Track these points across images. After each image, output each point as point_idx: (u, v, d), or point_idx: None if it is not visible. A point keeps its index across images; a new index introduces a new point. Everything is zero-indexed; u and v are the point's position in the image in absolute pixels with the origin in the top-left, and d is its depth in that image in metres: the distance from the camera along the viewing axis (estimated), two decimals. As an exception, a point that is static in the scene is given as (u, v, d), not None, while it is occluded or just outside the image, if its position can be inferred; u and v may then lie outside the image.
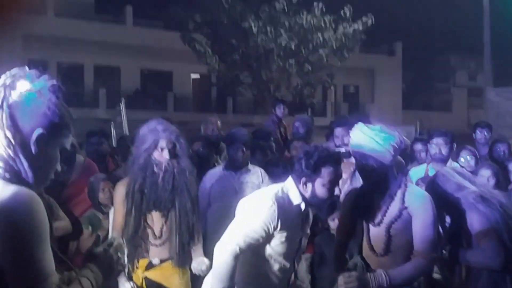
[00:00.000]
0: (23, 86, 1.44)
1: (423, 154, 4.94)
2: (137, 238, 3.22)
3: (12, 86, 1.44)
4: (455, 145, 4.33)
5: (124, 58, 22.92)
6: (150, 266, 3.29)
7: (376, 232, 2.70)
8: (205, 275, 3.44)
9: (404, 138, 3.11)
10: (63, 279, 1.38)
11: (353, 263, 2.78)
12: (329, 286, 3.88)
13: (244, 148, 4.13)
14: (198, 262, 3.38)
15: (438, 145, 4.10)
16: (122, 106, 8.67)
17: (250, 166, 4.23)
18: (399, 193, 2.67)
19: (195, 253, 3.41)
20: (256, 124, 16.44)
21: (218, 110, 23.55)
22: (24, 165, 1.44)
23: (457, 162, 4.39)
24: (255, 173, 4.21)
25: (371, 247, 2.71)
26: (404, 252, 2.65)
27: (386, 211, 2.67)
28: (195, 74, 25.15)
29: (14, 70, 1.46)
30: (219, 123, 5.79)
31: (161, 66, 24.16)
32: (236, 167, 4.16)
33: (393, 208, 2.66)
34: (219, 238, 3.93)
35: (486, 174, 3.95)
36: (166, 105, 23.75)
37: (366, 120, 5.08)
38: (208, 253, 3.54)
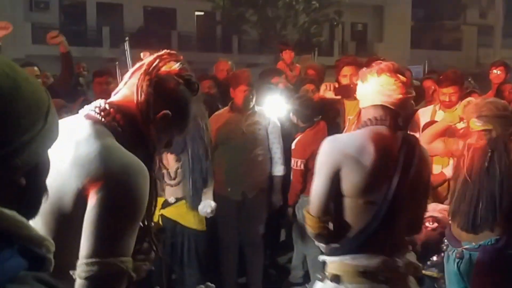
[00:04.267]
0: None
1: (431, 92, 4.97)
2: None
3: None
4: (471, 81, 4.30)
5: (127, -6, 22.44)
6: (166, 204, 3.42)
7: None
8: (218, 216, 3.56)
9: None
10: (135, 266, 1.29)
11: None
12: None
13: (249, 90, 4.09)
14: (204, 205, 3.50)
15: (447, 94, 4.06)
16: (127, 45, 8.53)
17: (257, 108, 4.21)
18: None
19: (205, 195, 3.53)
20: (262, 64, 16.25)
21: (223, 50, 23.25)
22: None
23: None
24: (262, 114, 4.20)
25: None
26: None
27: None
28: (199, 11, 24.64)
29: None
30: (230, 64, 5.73)
31: (165, 3, 23.66)
32: (242, 108, 4.15)
33: None
34: (226, 180, 4.02)
35: None
36: (170, 44, 23.41)
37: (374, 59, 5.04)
38: (213, 194, 3.62)
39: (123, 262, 1.21)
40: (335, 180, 2.05)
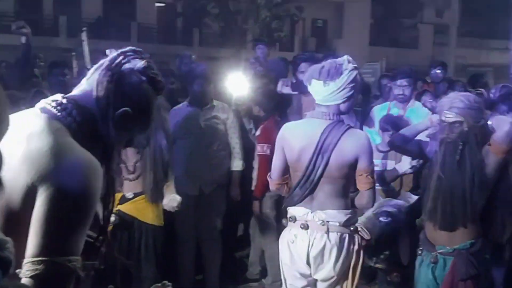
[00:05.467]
0: None
1: (388, 90, 5.09)
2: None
3: None
4: (420, 83, 4.43)
5: (85, -17, 21.90)
6: (123, 200, 3.36)
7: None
8: (176, 212, 3.52)
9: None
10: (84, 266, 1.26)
11: None
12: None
13: (205, 83, 4.07)
14: (170, 199, 3.47)
15: (401, 86, 4.17)
16: (84, 35, 8.33)
17: (215, 102, 4.20)
18: None
19: (167, 189, 3.50)
20: (223, 58, 16.19)
21: (184, 42, 23.00)
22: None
23: (419, 101, 4.50)
24: (221, 108, 4.19)
25: None
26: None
27: None
28: (160, 3, 24.30)
29: None
30: (193, 57, 5.70)
31: (125, -7, 23.21)
32: (200, 103, 4.12)
33: None
34: (183, 175, 4.00)
35: None
36: (129, 35, 23.01)
37: (332, 57, 5.11)
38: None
39: (71, 261, 1.18)
40: (282, 155, 2.78)
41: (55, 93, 1.42)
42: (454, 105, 2.67)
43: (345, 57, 2.68)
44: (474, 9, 28.53)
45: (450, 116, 2.68)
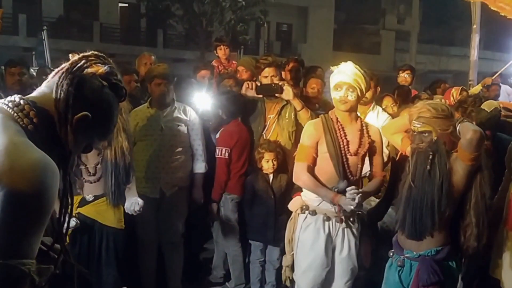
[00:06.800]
0: None
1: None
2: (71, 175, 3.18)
3: None
4: (379, 88, 4.50)
5: (46, -19, 21.40)
6: (83, 202, 3.31)
7: (352, 160, 3.22)
8: (137, 214, 3.48)
9: None
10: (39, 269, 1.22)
11: (343, 185, 3.14)
12: (262, 224, 4.02)
13: (165, 84, 4.04)
14: (132, 203, 3.42)
15: None
16: (44, 35, 8.16)
17: (177, 103, 4.16)
18: (364, 128, 3.27)
19: (129, 192, 3.46)
20: (188, 60, 16.10)
21: (147, 43, 22.78)
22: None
23: (380, 106, 4.56)
24: (182, 110, 4.16)
25: (350, 172, 3.22)
26: (360, 174, 3.30)
27: (360, 143, 3.22)
28: (123, 3, 23.98)
29: None
30: (153, 58, 5.61)
31: (87, -8, 22.80)
32: (160, 104, 4.08)
33: (365, 141, 3.24)
34: (144, 177, 3.95)
35: None
36: (91, 35, 22.62)
37: (292, 60, 5.12)
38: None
39: (24, 264, 1.14)
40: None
41: (11, 93, 1.38)
42: (421, 114, 2.69)
43: None
44: (434, 16, 29.30)
45: (418, 126, 2.70)
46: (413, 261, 2.81)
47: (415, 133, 2.73)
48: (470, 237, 2.72)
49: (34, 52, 8.28)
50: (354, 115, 3.28)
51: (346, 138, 3.19)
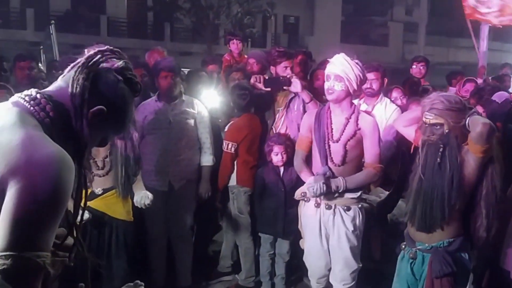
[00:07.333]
0: None
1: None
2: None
3: None
4: (386, 80, 4.46)
5: (53, -25, 21.42)
6: (92, 196, 3.31)
7: (335, 147, 3.29)
8: (146, 208, 3.49)
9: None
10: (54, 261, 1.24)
11: (323, 171, 3.28)
12: (272, 217, 4.02)
13: (172, 77, 4.03)
14: (142, 196, 3.42)
15: (369, 80, 4.18)
16: (52, 29, 8.18)
17: (185, 97, 4.16)
18: (353, 117, 3.28)
19: (136, 185, 3.46)
20: (195, 53, 16.09)
21: (154, 37, 22.80)
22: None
23: (389, 98, 4.53)
24: (190, 103, 4.15)
25: (331, 159, 3.31)
26: (356, 163, 3.34)
27: (343, 131, 3.28)
28: (130, -4, 24.00)
29: None
30: (165, 52, 5.61)
31: (94, -14, 22.81)
32: (168, 97, 4.08)
33: (349, 128, 3.27)
34: (152, 170, 3.96)
35: None
36: (99, 29, 22.66)
37: (301, 52, 5.10)
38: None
39: (40, 256, 1.15)
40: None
41: (21, 87, 1.39)
42: (434, 106, 2.65)
43: None
44: (442, 7, 29.07)
45: (430, 118, 2.67)
46: (425, 253, 2.80)
47: (427, 125, 2.69)
48: (480, 228, 2.70)
49: (42, 47, 8.31)
50: (346, 105, 3.31)
51: (331, 126, 3.31)
